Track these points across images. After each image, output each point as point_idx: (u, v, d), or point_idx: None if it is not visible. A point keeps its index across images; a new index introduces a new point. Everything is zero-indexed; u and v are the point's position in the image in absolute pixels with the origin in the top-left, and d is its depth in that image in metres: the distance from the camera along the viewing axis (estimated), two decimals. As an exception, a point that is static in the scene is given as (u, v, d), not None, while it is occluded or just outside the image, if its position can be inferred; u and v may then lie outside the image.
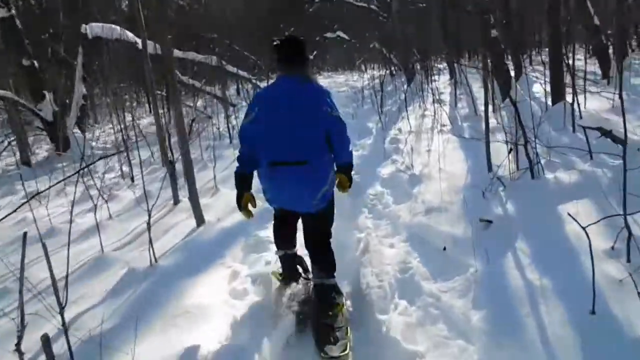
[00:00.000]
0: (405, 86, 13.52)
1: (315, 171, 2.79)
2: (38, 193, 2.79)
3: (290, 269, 3.32)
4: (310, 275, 3.28)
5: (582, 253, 2.92)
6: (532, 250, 3.18)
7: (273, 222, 3.28)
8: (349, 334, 2.79)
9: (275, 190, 2.86)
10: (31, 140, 11.15)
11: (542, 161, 4.40)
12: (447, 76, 14.48)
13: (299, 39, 2.98)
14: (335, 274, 3.03)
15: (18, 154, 9.34)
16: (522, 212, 3.76)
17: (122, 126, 7.69)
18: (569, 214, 2.62)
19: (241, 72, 13.12)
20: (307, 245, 3.09)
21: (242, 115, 10.19)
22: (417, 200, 4.76)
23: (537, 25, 13.49)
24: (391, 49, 16.93)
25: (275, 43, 2.92)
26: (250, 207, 3.01)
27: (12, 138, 9.41)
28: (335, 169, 3.01)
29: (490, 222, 3.71)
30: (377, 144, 7.43)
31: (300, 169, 2.74)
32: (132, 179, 7.34)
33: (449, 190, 4.74)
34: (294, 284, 3.37)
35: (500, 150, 5.27)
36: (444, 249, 3.60)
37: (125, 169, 7.75)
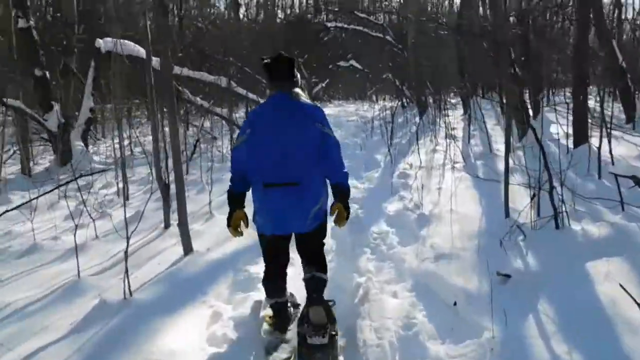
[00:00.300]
0: (417, 119, 13.21)
1: (307, 191, 2.76)
2: (7, 211, 2.46)
3: (281, 317, 3.12)
4: (300, 310, 3.21)
5: (619, 321, 2.51)
6: (559, 315, 2.75)
7: (264, 269, 3.10)
8: (336, 329, 2.85)
9: (268, 212, 2.80)
10: (38, 151, 11.00)
11: (567, 209, 3.98)
12: (461, 111, 14.19)
13: (289, 57, 2.89)
14: (327, 274, 3.05)
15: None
16: (545, 267, 3.33)
17: (121, 141, 7.36)
18: (621, 286, 2.20)
19: (250, 95, 12.88)
20: (301, 257, 3.07)
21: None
22: (425, 243, 4.34)
23: (556, 63, 13.19)
24: (404, 81, 16.71)
25: (265, 61, 2.87)
26: (242, 226, 2.94)
27: (17, 147, 9.32)
28: (330, 191, 2.93)
29: (508, 276, 3.28)
30: (385, 177, 7.05)
31: (292, 189, 2.71)
32: (127, 197, 6.99)
33: (461, 235, 4.33)
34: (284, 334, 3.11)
35: (517, 194, 4.88)
36: (455, 304, 3.17)
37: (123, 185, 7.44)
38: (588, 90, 6.98)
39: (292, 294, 3.36)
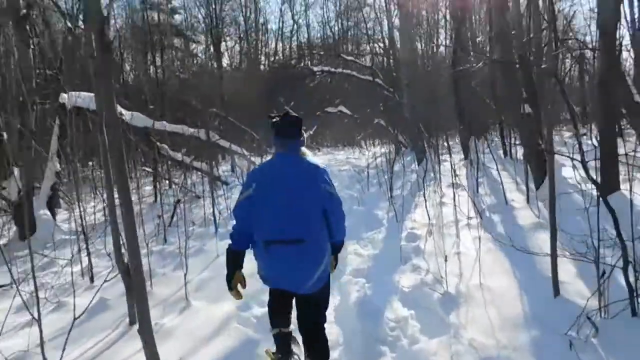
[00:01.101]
0: (414, 165, 12.42)
1: (312, 250, 2.74)
2: None
3: (284, 349, 3.09)
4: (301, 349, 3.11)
5: None
6: None
7: (268, 298, 3.12)
8: None
9: (271, 270, 2.79)
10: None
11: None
12: (459, 155, 13.44)
13: (296, 115, 2.94)
14: None
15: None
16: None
17: (80, 211, 6.40)
18: None
19: (234, 147, 12.03)
20: (301, 329, 2.97)
21: (235, 195, 8.78)
22: (460, 337, 3.38)
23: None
24: (396, 125, 16.02)
25: (273, 120, 2.91)
26: (240, 287, 2.89)
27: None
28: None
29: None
30: (391, 240, 6.11)
31: (296, 248, 2.69)
32: (92, 279, 5.97)
33: (504, 324, 3.39)
34: None
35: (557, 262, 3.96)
36: None
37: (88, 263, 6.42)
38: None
39: (295, 338, 3.26)
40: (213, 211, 7.45)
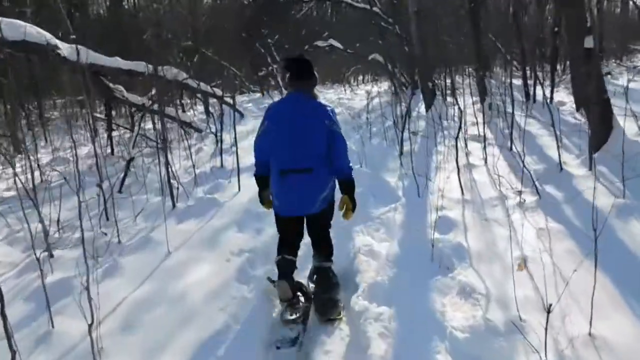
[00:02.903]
0: (421, 108, 10.53)
1: (318, 177, 3.16)
2: None
3: (286, 276, 3.22)
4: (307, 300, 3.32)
5: None
6: None
7: (277, 229, 3.45)
8: (341, 306, 3.22)
9: (285, 195, 3.18)
10: None
11: None
12: (472, 98, 11.54)
13: (307, 60, 3.30)
14: (332, 258, 3.48)
15: None
16: None
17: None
18: None
19: (203, 86, 9.98)
20: (311, 237, 3.48)
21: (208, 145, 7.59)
22: None
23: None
24: (396, 61, 13.94)
25: (285, 63, 3.38)
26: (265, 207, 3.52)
27: None
28: (337, 184, 3.30)
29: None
30: (414, 226, 4.37)
31: (306, 176, 3.11)
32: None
33: None
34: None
35: None
36: None
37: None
38: None
39: (301, 283, 3.41)
40: (168, 176, 5.55)
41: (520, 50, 10.11)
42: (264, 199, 3.44)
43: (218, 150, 8.22)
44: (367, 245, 4.03)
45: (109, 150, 9.32)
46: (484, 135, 6.74)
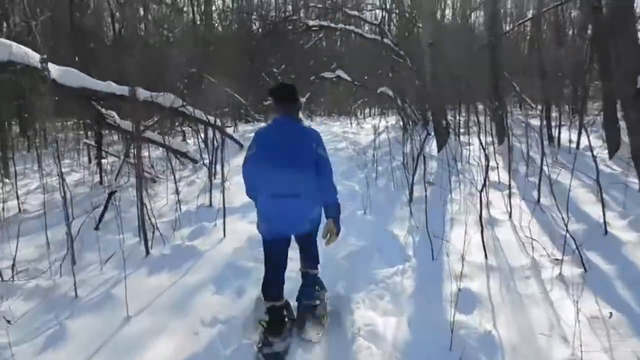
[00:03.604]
0: (432, 147, 9.81)
1: (306, 203, 3.16)
2: None
3: (277, 322, 3.23)
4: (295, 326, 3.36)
5: None
6: None
7: (265, 257, 3.34)
8: (325, 321, 3.35)
9: (274, 217, 3.18)
10: None
11: None
12: (488, 138, 10.84)
13: (291, 84, 3.39)
14: (318, 266, 3.53)
15: None
16: None
17: None
18: None
19: (198, 114, 9.31)
20: (300, 248, 3.50)
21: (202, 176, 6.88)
22: None
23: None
24: (406, 96, 13.31)
25: (270, 88, 3.33)
26: None
27: None
28: (323, 210, 3.30)
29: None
30: (425, 297, 3.59)
31: (294, 201, 3.12)
32: None
33: None
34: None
35: None
36: None
37: None
38: None
39: (288, 303, 3.43)
40: (141, 218, 4.77)
41: (542, 88, 9.46)
42: None
43: (211, 185, 7.53)
44: (370, 324, 3.24)
45: (97, 179, 8.64)
46: (509, 184, 6.00)
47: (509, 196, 5.38)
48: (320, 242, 3.42)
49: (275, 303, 3.26)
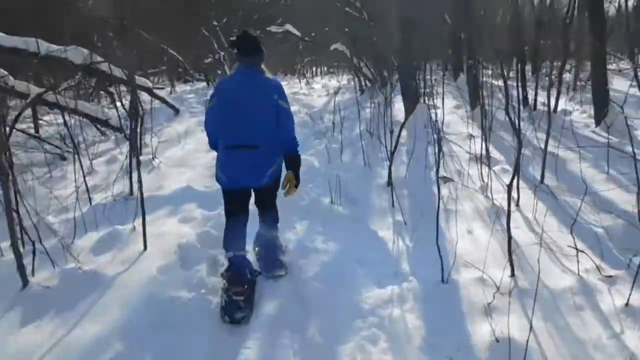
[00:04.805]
0: (397, 111, 8.58)
1: (265, 154, 3.08)
2: None
3: (238, 273, 3.08)
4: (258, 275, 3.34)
5: None
6: None
7: (224, 206, 3.27)
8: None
9: (232, 169, 3.10)
10: None
11: None
12: (455, 101, 9.77)
13: (254, 34, 3.25)
14: (278, 225, 3.42)
15: None
16: None
17: None
18: None
19: (116, 71, 7.61)
20: (258, 207, 3.39)
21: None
22: None
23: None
24: (362, 53, 11.98)
25: (232, 38, 3.22)
26: None
27: None
28: (284, 159, 3.22)
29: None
30: (441, 348, 2.41)
31: (253, 152, 3.05)
32: None
33: None
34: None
35: None
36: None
37: None
38: None
39: (250, 263, 3.32)
40: (11, 232, 3.29)
41: (517, 45, 8.37)
42: None
43: (134, 164, 6.06)
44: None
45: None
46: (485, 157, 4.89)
47: (514, 180, 4.24)
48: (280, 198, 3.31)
49: (237, 252, 3.15)
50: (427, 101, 8.59)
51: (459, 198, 4.48)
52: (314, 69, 29.39)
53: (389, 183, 4.76)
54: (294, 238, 3.92)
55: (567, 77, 12.11)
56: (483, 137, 5.66)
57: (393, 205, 4.33)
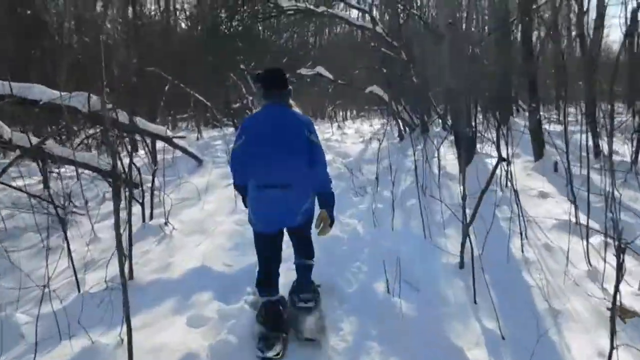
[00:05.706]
0: (449, 162, 7.46)
1: (298, 192, 2.98)
2: None
3: (273, 316, 3.06)
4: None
5: None
6: None
7: (257, 250, 3.19)
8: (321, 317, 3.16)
9: (264, 210, 3.00)
10: None
11: None
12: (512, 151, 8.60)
13: (280, 69, 3.22)
14: (314, 258, 3.35)
15: None
16: None
17: None
18: None
19: (144, 123, 6.78)
20: (293, 245, 3.34)
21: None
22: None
23: None
24: (401, 96, 10.98)
25: (257, 74, 3.18)
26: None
27: None
28: (317, 200, 3.14)
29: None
30: None
31: (285, 191, 2.94)
32: None
33: None
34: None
35: None
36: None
37: None
38: None
39: (284, 297, 3.32)
40: None
41: (588, 87, 7.25)
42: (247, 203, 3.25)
43: (143, 231, 5.13)
44: None
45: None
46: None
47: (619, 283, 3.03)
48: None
49: (271, 297, 3.12)
50: (482, 150, 7.51)
51: (562, 291, 3.30)
52: (344, 112, 28.68)
53: (462, 265, 3.63)
54: (341, 347, 2.85)
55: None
56: (571, 199, 4.49)
57: (475, 302, 3.18)
